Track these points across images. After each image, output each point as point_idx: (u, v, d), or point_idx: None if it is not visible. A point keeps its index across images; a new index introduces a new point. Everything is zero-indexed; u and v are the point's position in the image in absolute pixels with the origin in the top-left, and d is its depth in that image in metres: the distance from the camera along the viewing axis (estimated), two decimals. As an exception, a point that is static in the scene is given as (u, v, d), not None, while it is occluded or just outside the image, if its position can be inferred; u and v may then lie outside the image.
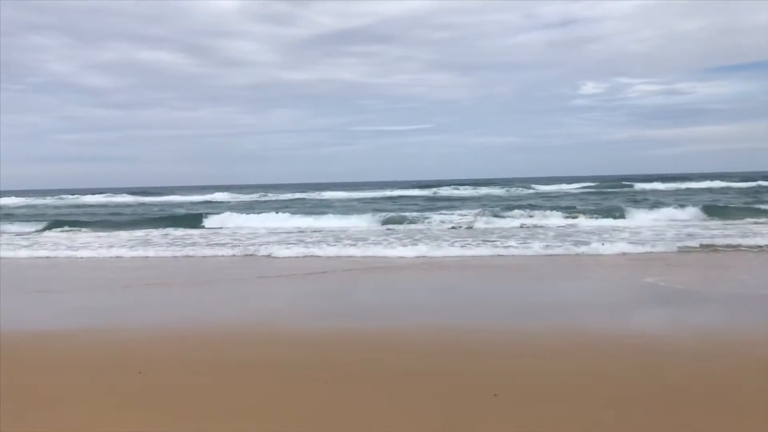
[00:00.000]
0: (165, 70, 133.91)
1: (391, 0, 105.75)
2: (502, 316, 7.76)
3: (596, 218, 21.19)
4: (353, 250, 14.41)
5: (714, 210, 22.42)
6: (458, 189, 54.58)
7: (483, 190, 52.01)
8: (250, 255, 14.56)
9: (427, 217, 22.31)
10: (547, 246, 14.09)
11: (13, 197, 57.26)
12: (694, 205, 23.24)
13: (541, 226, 19.50)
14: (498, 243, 14.94)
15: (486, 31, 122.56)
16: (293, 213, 25.81)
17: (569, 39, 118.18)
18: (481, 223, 20.67)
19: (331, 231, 19.46)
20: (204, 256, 14.62)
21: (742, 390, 4.62)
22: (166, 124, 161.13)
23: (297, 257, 13.98)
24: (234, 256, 14.61)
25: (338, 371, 5.28)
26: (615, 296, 9.21)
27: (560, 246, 14.06)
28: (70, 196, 58.50)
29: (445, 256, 13.36)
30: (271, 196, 52.98)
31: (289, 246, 15.48)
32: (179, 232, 21.12)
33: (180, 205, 42.58)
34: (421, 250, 13.98)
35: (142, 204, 45.99)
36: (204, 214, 25.66)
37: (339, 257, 13.74)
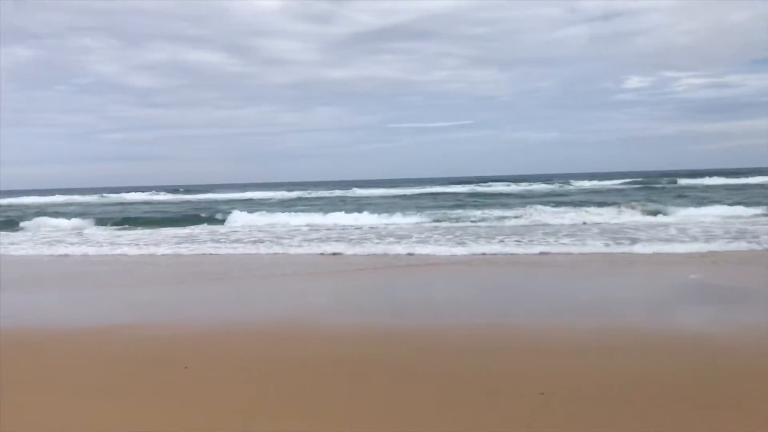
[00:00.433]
0: (208, 70, 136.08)
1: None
2: (549, 313, 7.62)
3: (643, 214, 20.72)
4: (398, 248, 14.25)
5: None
6: (500, 185, 54.14)
7: (526, 187, 51.46)
8: (293, 253, 14.63)
9: (471, 214, 22.12)
10: (594, 243, 13.83)
11: (58, 195, 59.26)
12: (747, 200, 22.53)
13: (586, 222, 19.13)
14: (545, 240, 14.70)
15: (528, 25, 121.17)
16: (335, 210, 25.90)
17: (612, 33, 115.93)
18: (526, 220, 20.38)
19: (373, 228, 19.33)
20: (248, 254, 14.74)
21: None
22: (209, 124, 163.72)
23: (342, 254, 13.98)
24: (277, 253, 14.68)
25: (383, 368, 5.26)
26: (662, 294, 8.97)
27: (606, 243, 13.78)
28: (114, 195, 60.02)
29: (495, 254, 13.06)
30: (313, 194, 53.40)
31: (332, 243, 15.55)
32: (223, 229, 21.43)
33: (224, 202, 43.14)
34: (470, 247, 13.76)
35: (185, 202, 46.70)
36: (246, 211, 25.97)
37: (386, 254, 13.61)
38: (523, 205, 26.77)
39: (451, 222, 20.91)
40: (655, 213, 21.18)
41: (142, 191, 63.88)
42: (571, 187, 49.62)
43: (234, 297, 9.47)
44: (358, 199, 43.09)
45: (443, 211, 23.63)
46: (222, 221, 24.41)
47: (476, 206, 28.00)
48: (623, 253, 12.79)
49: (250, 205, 35.22)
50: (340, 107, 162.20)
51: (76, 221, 25.66)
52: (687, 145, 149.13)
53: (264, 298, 9.26)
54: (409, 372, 5.17)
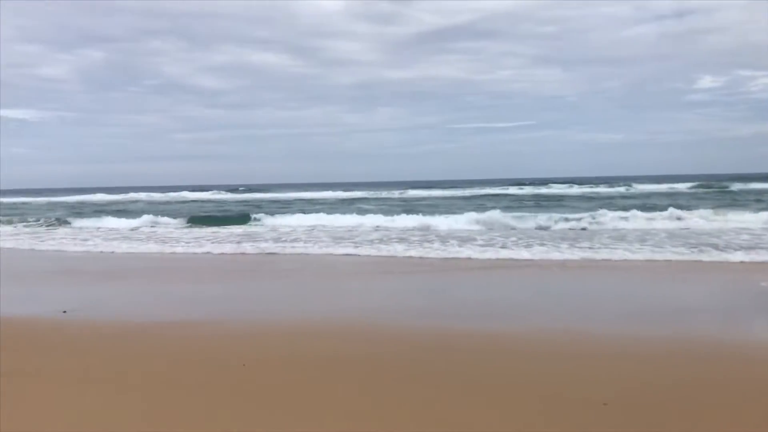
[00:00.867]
0: (272, 72, 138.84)
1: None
2: (611, 320, 7.36)
3: (714, 220, 19.82)
4: (461, 250, 14.08)
5: None
6: (565, 187, 53.04)
7: (592, 189, 50.18)
8: (354, 254, 14.67)
9: (535, 217, 21.58)
10: (662, 249, 13.33)
11: (132, 193, 61.73)
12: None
13: (654, 228, 18.41)
14: (612, 245, 14.28)
15: (595, 24, 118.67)
16: (396, 211, 25.88)
17: (684, 31, 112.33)
18: (594, 224, 19.72)
19: (436, 230, 19.04)
20: (314, 254, 14.85)
21: None
22: (273, 124, 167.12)
23: (402, 256, 13.94)
24: (347, 254, 14.73)
25: (441, 371, 5.17)
26: (734, 302, 8.56)
27: (674, 249, 13.25)
28: (174, 193, 61.95)
29: (567, 259, 12.63)
30: (375, 194, 53.66)
31: (392, 243, 15.54)
32: (283, 227, 21.71)
33: (285, 201, 43.77)
34: (537, 251, 13.45)
35: (244, 201, 47.59)
36: (301, 212, 26.24)
37: (446, 258, 13.46)
38: (594, 208, 26.05)
39: (514, 224, 20.27)
40: (727, 216, 20.23)
41: (204, 191, 65.81)
42: (641, 190, 48.07)
43: (292, 295, 9.54)
44: (419, 199, 42.99)
45: (510, 213, 23.01)
46: (255, 221, 24.49)
47: (541, 208, 27.41)
48: (691, 260, 12.28)
49: (312, 205, 35.69)
50: (402, 107, 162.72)
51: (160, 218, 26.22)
52: (762, 146, 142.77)
53: (326, 298, 9.28)
54: (469, 376, 5.06)
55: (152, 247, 16.77)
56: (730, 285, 10.01)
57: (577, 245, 14.34)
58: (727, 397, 4.43)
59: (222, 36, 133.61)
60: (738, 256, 12.18)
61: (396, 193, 54.79)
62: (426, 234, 17.95)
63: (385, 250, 14.63)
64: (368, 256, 14.02)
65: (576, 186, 56.22)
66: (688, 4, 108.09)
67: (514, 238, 15.84)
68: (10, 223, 28.09)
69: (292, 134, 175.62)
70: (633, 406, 4.30)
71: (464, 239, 16.19)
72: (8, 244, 18.68)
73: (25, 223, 27.60)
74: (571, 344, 6.05)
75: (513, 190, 53.40)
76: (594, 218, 20.68)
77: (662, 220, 19.77)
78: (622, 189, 51.07)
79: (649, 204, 29.09)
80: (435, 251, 14.16)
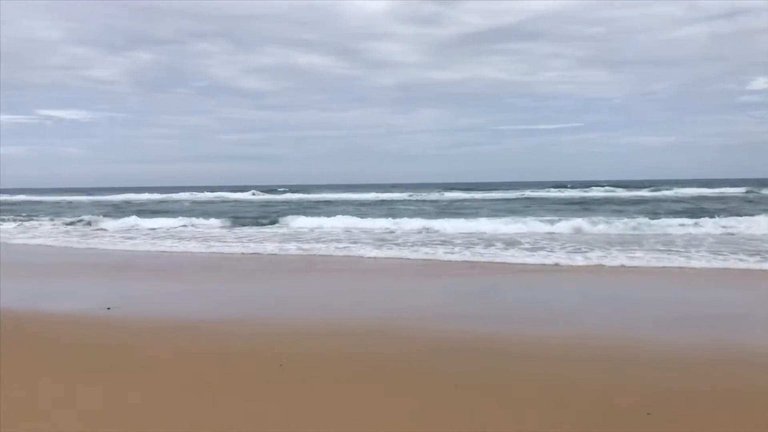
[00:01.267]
0: (317, 73, 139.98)
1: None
2: (655, 327, 7.13)
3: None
4: (505, 254, 13.87)
5: None
6: (612, 191, 52.05)
7: (639, 193, 49.10)
8: (393, 257, 14.62)
9: (584, 221, 20.99)
10: (711, 256, 12.87)
11: (173, 193, 63.36)
12: None
13: (703, 233, 17.74)
14: (666, 250, 13.89)
15: (644, 24, 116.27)
16: (440, 215, 25.69)
17: (737, 31, 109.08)
18: (642, 228, 19.06)
19: (481, 234, 18.63)
20: (348, 255, 14.87)
21: None
22: (317, 125, 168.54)
23: (444, 260, 13.84)
24: (388, 257, 14.71)
25: (483, 376, 5.09)
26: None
27: (733, 256, 12.72)
28: (210, 193, 63.08)
29: (620, 265, 12.12)
30: (415, 196, 53.60)
31: (434, 246, 15.42)
32: (327, 227, 21.81)
33: (325, 202, 44.03)
34: (590, 257, 12.99)
35: (286, 201, 48.02)
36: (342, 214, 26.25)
37: (492, 262, 13.28)
38: (638, 211, 25.43)
39: (559, 229, 19.64)
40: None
41: (244, 191, 67.05)
42: (690, 193, 46.85)
43: (331, 296, 9.55)
44: (463, 201, 42.73)
45: (557, 217, 22.45)
46: (280, 223, 24.56)
47: (589, 212, 26.82)
48: (742, 269, 11.85)
49: (350, 205, 35.78)
50: (445, 109, 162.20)
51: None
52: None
53: (364, 299, 9.25)
54: (509, 381, 4.97)
55: (192, 246, 17.00)
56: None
57: (629, 250, 14.00)
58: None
59: (267, 38, 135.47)
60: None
61: (436, 195, 54.76)
62: (470, 237, 17.78)
63: (424, 252, 14.54)
64: (408, 258, 13.92)
65: (623, 189, 55.07)
66: (740, 4, 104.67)
67: (569, 244, 15.52)
68: (51, 220, 29.11)
69: (335, 136, 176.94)
70: (678, 417, 4.16)
71: (510, 242, 16.00)
72: (48, 242, 19.21)
73: (66, 220, 28.44)
74: (614, 351, 5.88)
75: (559, 192, 52.72)
76: (646, 221, 20.00)
77: (712, 225, 19.01)
78: (672, 191, 49.82)
79: (702, 207, 28.31)
80: (477, 255, 13.97)
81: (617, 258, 12.81)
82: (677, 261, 12.38)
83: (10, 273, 12.61)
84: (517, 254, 13.73)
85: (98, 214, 30.74)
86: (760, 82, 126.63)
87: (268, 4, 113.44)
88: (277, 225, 24.15)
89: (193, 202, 50.70)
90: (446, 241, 16.80)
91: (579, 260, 12.74)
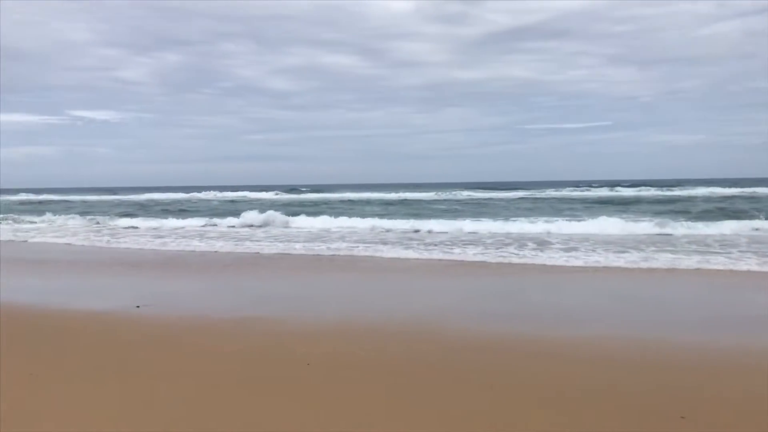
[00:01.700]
0: (342, 73, 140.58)
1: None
2: (688, 329, 7.00)
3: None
4: (541, 256, 13.75)
5: None
6: (642, 190, 51.25)
7: (670, 192, 48.29)
8: (419, 258, 14.57)
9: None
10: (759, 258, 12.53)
11: (212, 192, 64.31)
12: None
13: (737, 234, 17.35)
14: (703, 250, 13.64)
15: (673, 22, 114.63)
16: (461, 215, 25.57)
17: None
18: (679, 229, 18.46)
19: (508, 234, 18.37)
20: (373, 256, 14.85)
21: None
22: (342, 125, 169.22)
23: (471, 260, 13.75)
24: (432, 258, 14.66)
25: (509, 379, 5.03)
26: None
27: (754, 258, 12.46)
28: (231, 193, 63.78)
29: (656, 268, 11.75)
30: (443, 195, 53.47)
31: (461, 246, 15.33)
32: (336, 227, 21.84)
33: (350, 201, 44.08)
34: (630, 258, 12.70)
35: (313, 202, 48.11)
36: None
37: (524, 264, 13.22)
38: (669, 211, 24.95)
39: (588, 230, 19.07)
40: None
41: (268, 191, 67.75)
42: (721, 193, 45.91)
43: (359, 294, 9.54)
44: (490, 200, 42.45)
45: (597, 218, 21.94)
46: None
47: (616, 212, 26.39)
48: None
49: (369, 205, 35.70)
50: (470, 108, 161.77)
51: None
52: None
53: (393, 299, 9.22)
54: (538, 383, 4.89)
55: (220, 245, 17.13)
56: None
57: (661, 251, 13.77)
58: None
59: (293, 38, 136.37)
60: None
61: (466, 193, 54.58)
62: (499, 238, 17.65)
63: (455, 252, 14.47)
64: (437, 259, 13.85)
65: (654, 188, 54.26)
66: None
67: (588, 243, 15.32)
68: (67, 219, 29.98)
69: (361, 135, 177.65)
70: (712, 421, 4.07)
71: (542, 243, 15.83)
72: (72, 240, 19.49)
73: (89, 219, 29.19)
74: (645, 353, 5.77)
75: (585, 192, 52.11)
76: (681, 222, 19.57)
77: (744, 227, 18.58)
78: (703, 190, 48.88)
79: (739, 207, 27.76)
80: (509, 257, 13.85)
81: (657, 260, 12.58)
82: (718, 262, 12.07)
83: (34, 271, 12.82)
84: (555, 255, 13.48)
85: (116, 214, 31.39)
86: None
87: (293, 5, 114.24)
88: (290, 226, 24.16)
89: (220, 201, 51.14)
90: (475, 240, 16.71)
91: (617, 261, 12.52)
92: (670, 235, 17.43)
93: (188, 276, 11.95)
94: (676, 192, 49.00)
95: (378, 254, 14.52)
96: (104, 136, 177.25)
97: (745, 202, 34.49)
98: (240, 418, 4.18)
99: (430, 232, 19.76)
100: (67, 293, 9.91)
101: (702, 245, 14.71)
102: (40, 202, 52.02)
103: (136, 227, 25.07)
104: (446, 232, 19.41)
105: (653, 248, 14.12)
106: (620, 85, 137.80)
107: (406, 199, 46.84)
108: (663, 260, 12.34)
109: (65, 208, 40.25)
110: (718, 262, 11.99)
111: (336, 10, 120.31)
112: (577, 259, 12.78)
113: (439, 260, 13.46)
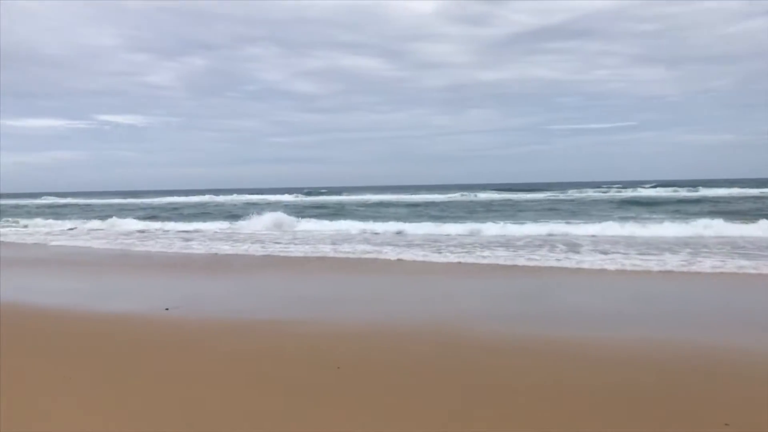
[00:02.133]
0: (365, 75, 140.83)
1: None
2: (735, 335, 6.77)
3: None
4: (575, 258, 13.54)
5: None
6: (677, 190, 50.32)
7: (699, 192, 47.38)
8: (448, 262, 14.44)
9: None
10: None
11: (235, 194, 65.12)
12: None
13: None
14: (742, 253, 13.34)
15: (700, 20, 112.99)
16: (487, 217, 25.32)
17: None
18: (710, 229, 18.05)
19: (549, 236, 18.11)
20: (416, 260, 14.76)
21: None
22: (366, 127, 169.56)
23: (507, 264, 13.60)
24: (463, 262, 14.55)
25: (544, 382, 4.90)
26: None
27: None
28: (253, 195, 64.38)
29: (698, 272, 11.32)
30: (469, 196, 53.25)
31: (492, 249, 15.18)
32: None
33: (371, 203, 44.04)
34: (670, 262, 12.26)
35: (339, 204, 48.12)
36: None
37: (544, 267, 13.04)
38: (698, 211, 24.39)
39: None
40: None
41: (289, 193, 68.41)
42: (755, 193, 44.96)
43: (390, 297, 9.46)
44: (516, 203, 42.06)
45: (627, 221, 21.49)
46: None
47: (647, 213, 25.90)
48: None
49: (386, 207, 35.55)
50: (494, 109, 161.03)
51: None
52: None
53: (421, 302, 9.12)
54: (576, 387, 4.77)
55: (246, 248, 17.18)
56: None
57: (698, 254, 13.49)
58: None
59: (316, 41, 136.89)
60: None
61: (495, 195, 54.36)
62: (527, 240, 17.46)
63: (489, 255, 14.32)
64: (470, 263, 13.72)
65: (683, 189, 53.31)
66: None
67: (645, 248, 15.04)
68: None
69: (384, 137, 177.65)
70: (757, 428, 3.92)
71: (574, 244, 15.61)
72: (94, 245, 19.69)
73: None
74: (690, 359, 5.61)
75: (614, 193, 51.47)
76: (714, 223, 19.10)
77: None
78: (738, 190, 47.81)
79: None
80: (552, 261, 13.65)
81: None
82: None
83: (66, 274, 12.95)
84: (586, 258, 13.23)
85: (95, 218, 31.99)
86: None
87: (316, 8, 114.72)
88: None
89: (245, 203, 51.50)
90: (507, 243, 16.56)
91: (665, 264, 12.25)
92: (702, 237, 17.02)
93: (216, 278, 11.97)
94: (704, 192, 48.10)
95: (403, 256, 14.42)
96: (131, 140, 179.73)
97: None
98: (268, 422, 4.12)
99: (457, 233, 19.61)
100: (98, 296, 9.96)
101: (736, 247, 14.39)
102: (50, 206, 53.01)
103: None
104: (471, 234, 19.33)
105: (689, 250, 13.84)
106: (646, 85, 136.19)
107: (432, 202, 46.60)
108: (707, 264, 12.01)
109: (79, 211, 40.93)
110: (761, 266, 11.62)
111: (358, 13, 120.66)
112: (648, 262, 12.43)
113: (475, 264, 13.32)
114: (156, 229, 25.29)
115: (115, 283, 11.46)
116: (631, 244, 15.43)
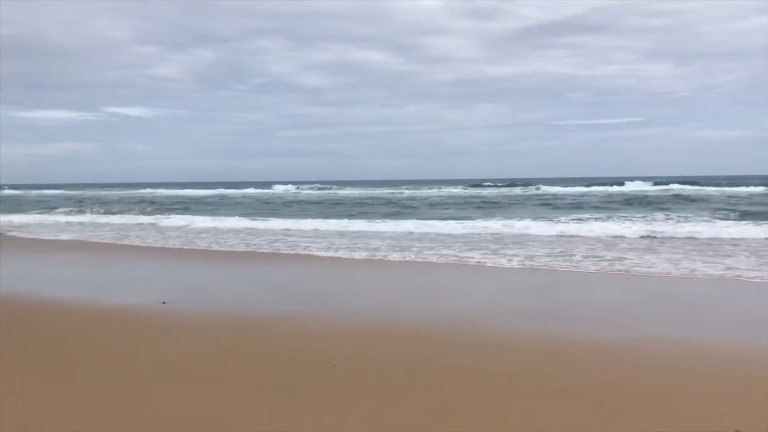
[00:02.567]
0: (374, 69, 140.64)
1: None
2: (745, 337, 6.56)
3: None
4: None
5: None
6: (693, 187, 49.62)
7: (711, 189, 46.67)
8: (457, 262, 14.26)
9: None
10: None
11: (251, 188, 65.22)
12: None
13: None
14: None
15: (711, 15, 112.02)
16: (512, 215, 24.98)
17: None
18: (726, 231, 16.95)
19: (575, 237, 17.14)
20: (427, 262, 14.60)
21: None
22: (375, 121, 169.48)
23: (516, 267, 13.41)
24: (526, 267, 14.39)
25: (554, 383, 4.74)
26: None
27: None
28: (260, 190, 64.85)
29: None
30: (484, 192, 53.06)
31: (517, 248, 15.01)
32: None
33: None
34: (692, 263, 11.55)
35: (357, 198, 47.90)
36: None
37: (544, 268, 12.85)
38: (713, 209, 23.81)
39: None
40: None
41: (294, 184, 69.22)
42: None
43: (389, 298, 9.31)
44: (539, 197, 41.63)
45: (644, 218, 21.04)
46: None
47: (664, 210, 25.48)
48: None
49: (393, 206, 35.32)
50: (503, 104, 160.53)
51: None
52: None
53: (424, 301, 8.96)
54: (580, 387, 4.60)
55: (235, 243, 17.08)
56: None
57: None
58: None
59: (325, 34, 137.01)
60: None
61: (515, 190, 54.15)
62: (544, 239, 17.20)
63: (510, 255, 14.10)
64: (462, 262, 13.55)
65: (696, 186, 52.61)
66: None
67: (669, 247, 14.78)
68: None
69: (393, 131, 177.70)
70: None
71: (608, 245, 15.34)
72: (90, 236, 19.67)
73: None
74: (699, 362, 5.41)
75: (622, 188, 50.98)
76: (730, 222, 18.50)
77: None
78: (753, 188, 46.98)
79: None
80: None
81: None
82: None
83: (57, 267, 12.88)
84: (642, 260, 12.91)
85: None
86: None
87: (325, 2, 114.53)
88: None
89: (250, 197, 51.58)
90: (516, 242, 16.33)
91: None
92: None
93: (216, 274, 11.86)
94: (719, 189, 47.43)
95: (403, 253, 14.26)
96: (139, 132, 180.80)
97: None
98: (263, 420, 4.00)
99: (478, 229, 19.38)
100: (98, 289, 9.88)
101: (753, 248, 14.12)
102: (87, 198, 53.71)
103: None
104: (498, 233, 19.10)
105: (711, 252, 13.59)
106: (656, 80, 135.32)
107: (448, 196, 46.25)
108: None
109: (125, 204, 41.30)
110: None
111: (367, 6, 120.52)
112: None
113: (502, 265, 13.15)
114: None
115: (118, 276, 11.37)
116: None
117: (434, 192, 54.51)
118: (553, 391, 4.54)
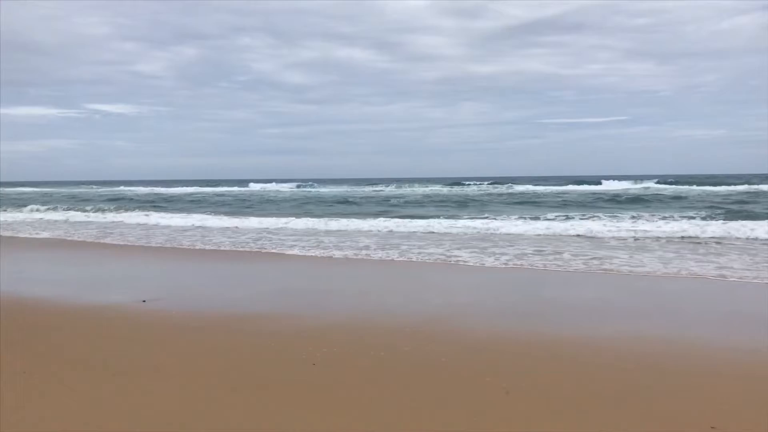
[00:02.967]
0: (358, 67, 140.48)
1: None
2: (721, 334, 6.64)
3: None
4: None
5: None
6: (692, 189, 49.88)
7: (696, 189, 47.00)
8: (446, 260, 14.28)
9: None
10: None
11: (248, 187, 65.38)
12: None
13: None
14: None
15: (693, 15, 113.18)
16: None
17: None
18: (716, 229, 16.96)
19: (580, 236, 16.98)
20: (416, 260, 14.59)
21: None
22: (359, 119, 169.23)
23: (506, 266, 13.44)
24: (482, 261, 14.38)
25: (524, 382, 4.75)
26: None
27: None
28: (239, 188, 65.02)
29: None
30: (467, 189, 53.15)
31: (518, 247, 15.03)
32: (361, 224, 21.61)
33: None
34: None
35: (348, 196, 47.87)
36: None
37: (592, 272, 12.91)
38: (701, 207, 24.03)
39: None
40: None
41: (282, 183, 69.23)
42: (748, 189, 44.69)
43: (370, 295, 9.29)
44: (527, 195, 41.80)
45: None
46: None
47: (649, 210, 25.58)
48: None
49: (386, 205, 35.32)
50: (487, 102, 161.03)
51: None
52: None
53: (403, 298, 8.95)
54: (563, 387, 4.62)
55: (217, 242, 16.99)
56: None
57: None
58: None
59: (309, 32, 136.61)
60: None
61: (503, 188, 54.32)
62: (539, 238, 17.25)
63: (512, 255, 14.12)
64: (453, 262, 13.57)
65: (685, 185, 52.99)
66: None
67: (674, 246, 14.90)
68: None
69: (377, 129, 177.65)
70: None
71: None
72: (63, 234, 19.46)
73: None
74: (675, 358, 5.45)
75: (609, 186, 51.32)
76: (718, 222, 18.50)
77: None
78: (738, 187, 47.45)
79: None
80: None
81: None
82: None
83: (44, 265, 12.73)
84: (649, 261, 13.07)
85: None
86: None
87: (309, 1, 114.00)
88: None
89: (233, 196, 51.27)
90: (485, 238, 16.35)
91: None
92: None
93: (197, 272, 11.78)
94: (699, 189, 47.85)
95: (386, 252, 14.25)
96: (121, 130, 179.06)
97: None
98: (242, 419, 3.97)
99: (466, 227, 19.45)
100: (74, 287, 9.76)
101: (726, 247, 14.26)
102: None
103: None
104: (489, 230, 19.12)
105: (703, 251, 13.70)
106: (639, 80, 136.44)
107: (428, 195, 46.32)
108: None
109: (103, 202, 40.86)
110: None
111: (351, 4, 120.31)
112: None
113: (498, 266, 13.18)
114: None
115: (96, 274, 11.26)
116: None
117: (417, 190, 54.61)
118: (530, 389, 4.55)
